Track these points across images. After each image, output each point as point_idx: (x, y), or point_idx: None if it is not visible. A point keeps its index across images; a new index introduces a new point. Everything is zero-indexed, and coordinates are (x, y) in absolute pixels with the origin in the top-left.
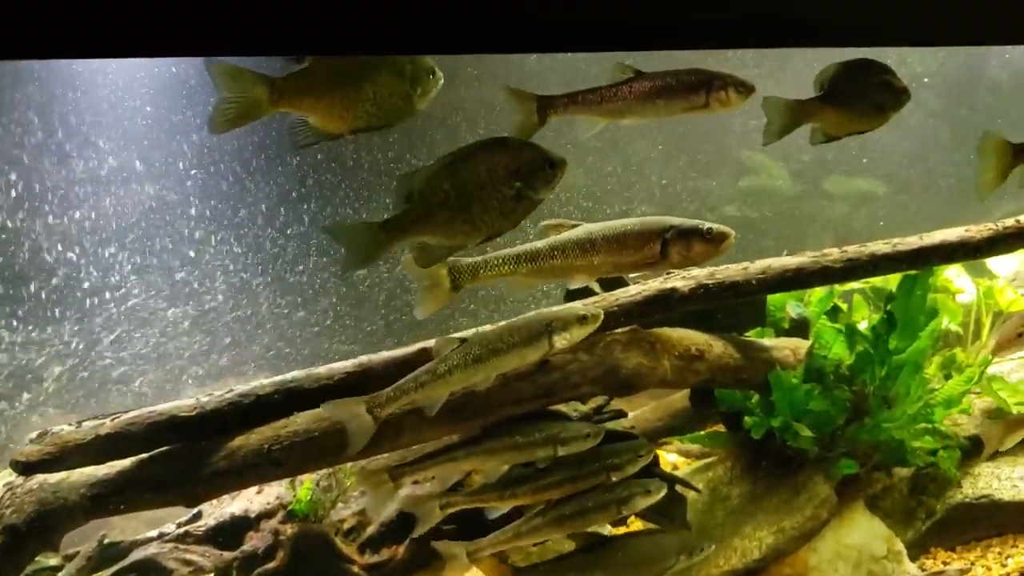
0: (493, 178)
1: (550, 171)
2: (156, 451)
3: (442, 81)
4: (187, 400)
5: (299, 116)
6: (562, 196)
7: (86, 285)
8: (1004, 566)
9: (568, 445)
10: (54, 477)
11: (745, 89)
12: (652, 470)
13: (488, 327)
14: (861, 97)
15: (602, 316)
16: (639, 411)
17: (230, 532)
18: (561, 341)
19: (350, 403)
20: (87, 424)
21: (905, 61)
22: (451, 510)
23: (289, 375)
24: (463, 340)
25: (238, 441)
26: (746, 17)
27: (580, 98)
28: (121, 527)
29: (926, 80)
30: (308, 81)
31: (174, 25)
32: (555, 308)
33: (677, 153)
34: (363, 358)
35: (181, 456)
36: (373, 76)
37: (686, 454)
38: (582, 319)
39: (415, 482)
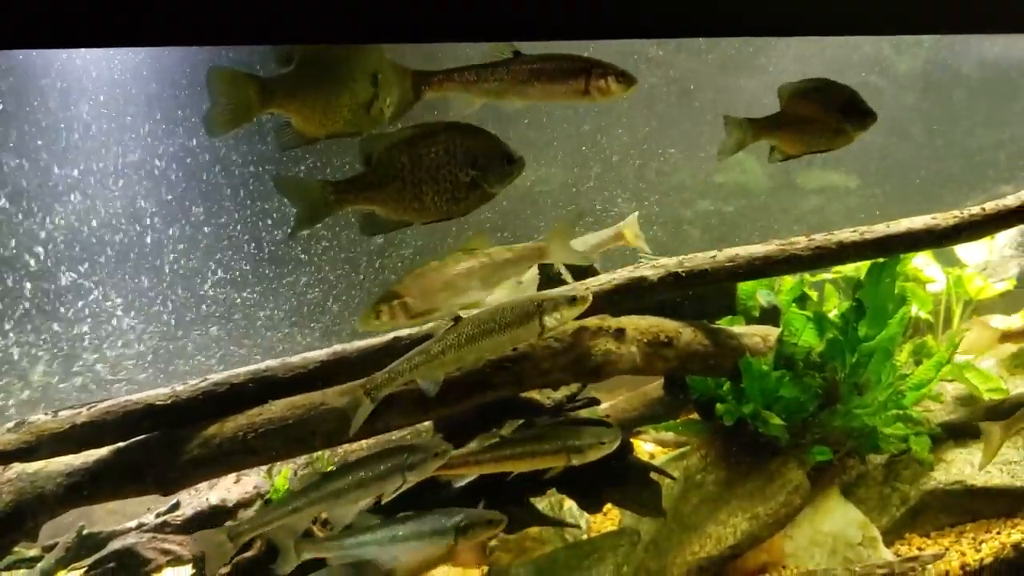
0: (450, 160)
1: (507, 166)
2: (132, 440)
3: None
4: (163, 389)
5: (285, 118)
6: (537, 188)
7: (70, 283)
8: (978, 551)
9: (416, 469)
10: (32, 466)
11: (626, 80)
12: (627, 459)
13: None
14: (817, 118)
15: (591, 298)
16: (615, 400)
17: (208, 521)
18: (552, 321)
19: (351, 388)
20: (64, 413)
21: (881, 56)
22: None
23: (263, 364)
24: (456, 320)
25: (213, 429)
26: (736, 7)
27: (456, 75)
28: (103, 519)
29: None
30: (295, 83)
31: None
32: (546, 291)
33: (653, 148)
34: (337, 347)
35: (157, 444)
36: (351, 83)
37: (661, 443)
38: (572, 300)
39: None
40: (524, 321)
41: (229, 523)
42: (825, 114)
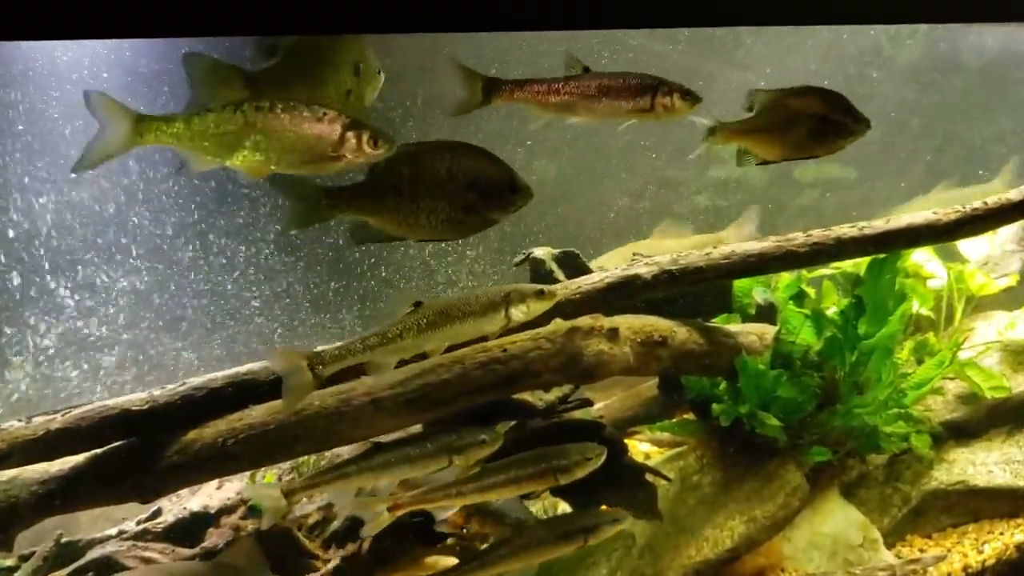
0: (451, 180)
1: (510, 195)
2: (109, 446)
3: (383, 79)
4: (139, 394)
5: None
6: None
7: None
8: (980, 552)
9: (463, 453)
10: (5, 474)
11: (691, 98)
12: (622, 460)
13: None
14: (792, 126)
15: (559, 293)
16: (609, 400)
17: (190, 529)
18: (518, 313)
19: (293, 355)
20: (37, 419)
21: (879, 47)
22: (400, 512)
23: (243, 367)
24: (418, 304)
25: (192, 435)
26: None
27: (526, 86)
28: (87, 525)
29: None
30: (282, 76)
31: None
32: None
33: (648, 142)
34: (319, 349)
35: (134, 451)
36: (335, 72)
37: (657, 443)
38: (539, 293)
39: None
40: (489, 311)
41: (285, 479)
42: (810, 120)
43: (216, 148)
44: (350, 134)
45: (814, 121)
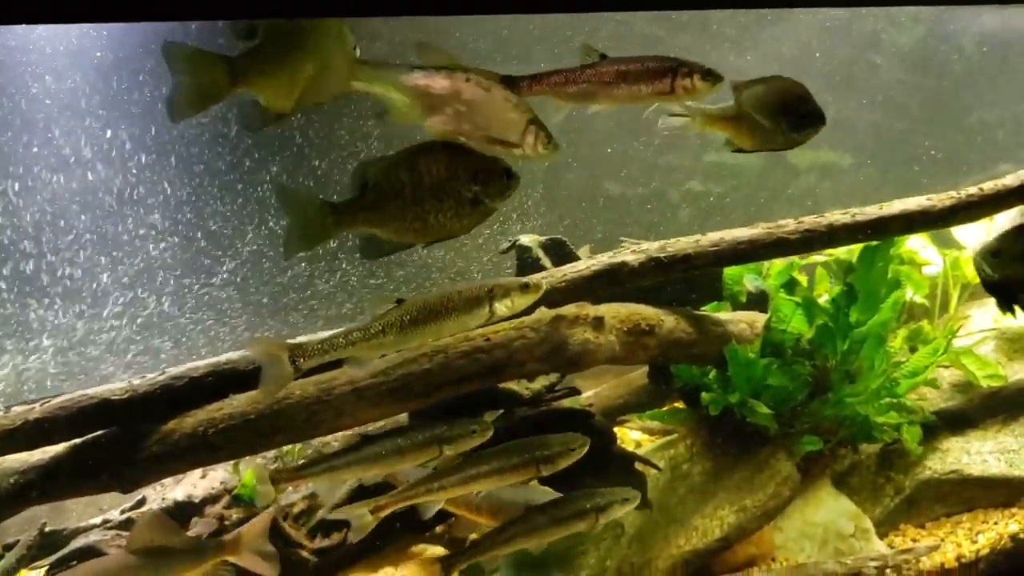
0: (452, 178)
1: (507, 180)
2: (88, 436)
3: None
4: (119, 383)
5: (252, 96)
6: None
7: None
8: (974, 542)
9: (454, 443)
10: None
11: (712, 77)
12: (610, 449)
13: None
14: (764, 117)
15: (544, 286)
16: (600, 388)
17: (174, 518)
18: (502, 308)
19: (274, 346)
20: (16, 409)
21: (878, 31)
22: (383, 513)
23: (223, 357)
24: (400, 301)
25: (172, 425)
26: None
27: (544, 79)
28: (79, 512)
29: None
30: (265, 58)
31: None
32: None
33: (641, 127)
34: (302, 339)
35: (114, 441)
36: (316, 51)
37: (648, 431)
38: (524, 287)
39: None
40: (473, 307)
41: (273, 467)
42: (766, 116)
43: (418, 105)
44: (532, 127)
45: (772, 115)
